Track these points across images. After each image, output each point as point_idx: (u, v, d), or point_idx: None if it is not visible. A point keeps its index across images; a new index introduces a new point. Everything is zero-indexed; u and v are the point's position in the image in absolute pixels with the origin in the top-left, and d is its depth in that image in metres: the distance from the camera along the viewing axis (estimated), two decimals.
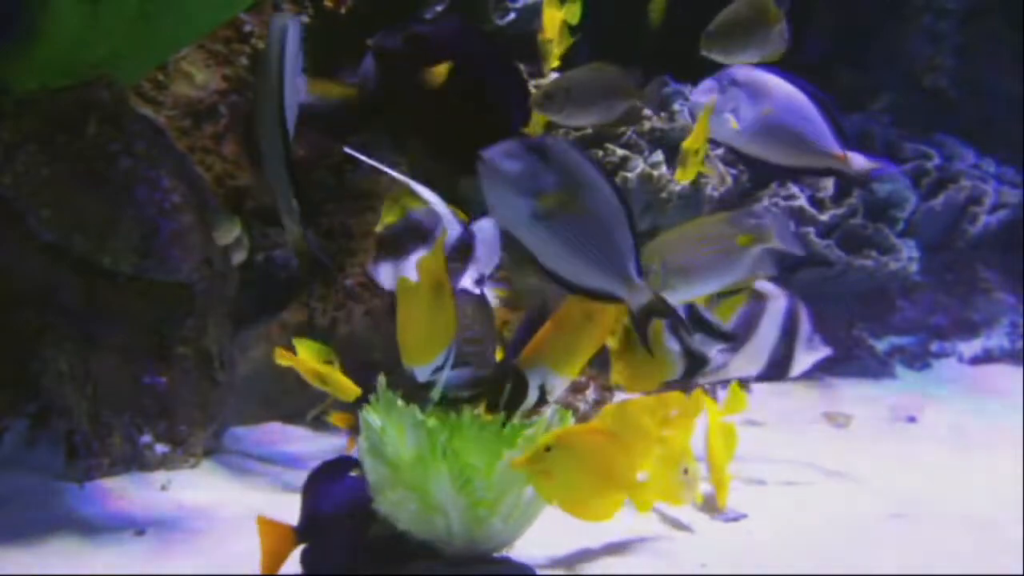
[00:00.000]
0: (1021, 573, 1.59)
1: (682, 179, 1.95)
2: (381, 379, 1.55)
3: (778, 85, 1.81)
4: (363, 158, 1.97)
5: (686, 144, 1.87)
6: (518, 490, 1.47)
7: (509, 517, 1.48)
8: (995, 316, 3.51)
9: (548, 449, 1.40)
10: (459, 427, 1.50)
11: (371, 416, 1.51)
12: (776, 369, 2.08)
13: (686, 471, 1.77)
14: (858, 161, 1.82)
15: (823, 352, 2.12)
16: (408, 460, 1.47)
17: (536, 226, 1.31)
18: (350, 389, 1.76)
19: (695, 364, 1.74)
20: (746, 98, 1.81)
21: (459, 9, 2.78)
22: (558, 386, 1.58)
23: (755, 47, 1.75)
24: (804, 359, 2.10)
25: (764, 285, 2.04)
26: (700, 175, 2.86)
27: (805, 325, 2.05)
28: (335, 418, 1.85)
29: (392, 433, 1.48)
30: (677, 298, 1.54)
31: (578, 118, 1.86)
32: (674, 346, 1.70)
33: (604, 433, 1.48)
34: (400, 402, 1.51)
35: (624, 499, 1.48)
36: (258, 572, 1.57)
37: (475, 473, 1.45)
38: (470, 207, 2.63)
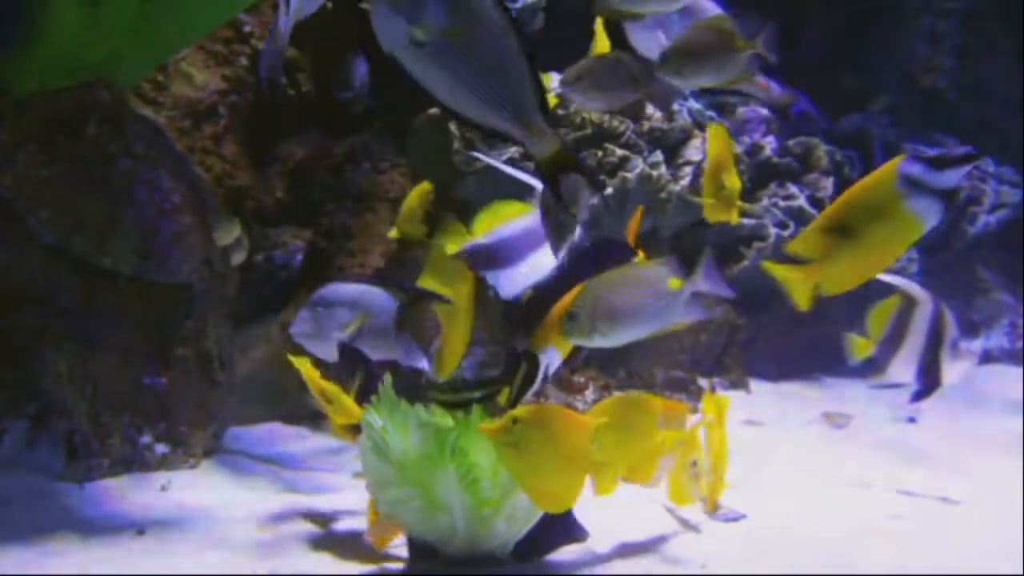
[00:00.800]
0: (1021, 573, 1.60)
1: (731, 220, 1.92)
2: (387, 378, 1.56)
3: (707, 8, 1.80)
4: (491, 161, 1.98)
5: (729, 183, 1.86)
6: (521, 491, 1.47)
7: (511, 518, 1.49)
8: (994, 316, 3.51)
9: (516, 421, 1.39)
10: (466, 427, 1.51)
11: (373, 416, 1.52)
12: (927, 380, 2.00)
13: (695, 463, 1.77)
14: (773, 90, 1.82)
15: (971, 360, 2.04)
16: (413, 459, 1.47)
17: (417, 53, 1.20)
18: (353, 410, 1.76)
19: (950, 198, 1.62)
20: (676, 16, 1.80)
21: None
22: (556, 362, 1.60)
23: (712, 73, 1.75)
24: (953, 368, 1.99)
25: (910, 286, 1.98)
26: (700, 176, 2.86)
27: (952, 331, 1.97)
28: (336, 430, 1.85)
29: (395, 433, 1.49)
30: (607, 343, 1.54)
31: (593, 102, 1.89)
32: (916, 200, 1.58)
33: (572, 415, 1.47)
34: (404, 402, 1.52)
35: (583, 483, 1.47)
36: (264, 571, 1.57)
37: (482, 473, 1.45)
38: (469, 210, 2.64)
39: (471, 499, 1.45)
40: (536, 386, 1.60)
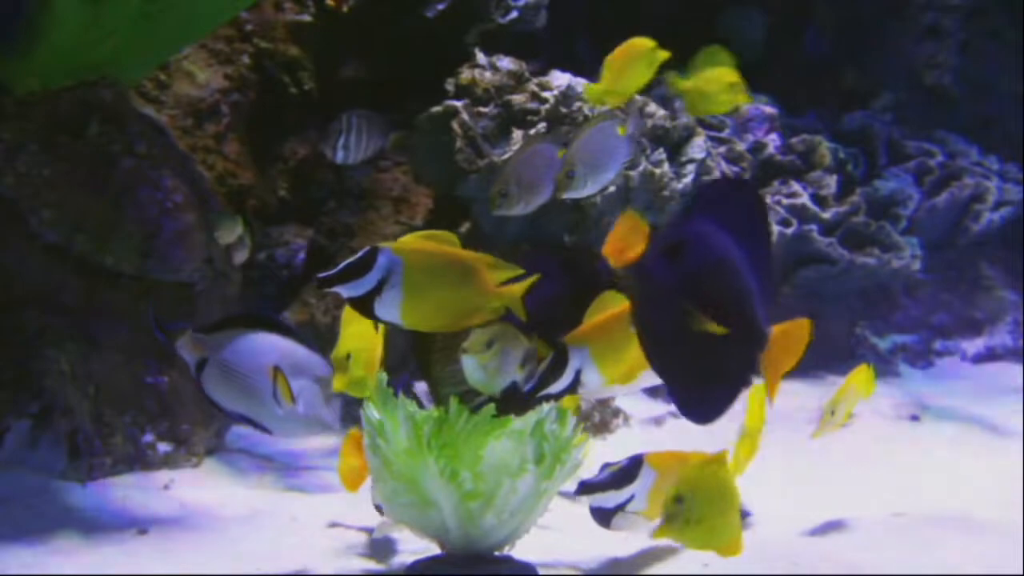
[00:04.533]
0: (1021, 573, 1.59)
1: None
2: (381, 375, 1.55)
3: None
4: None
5: None
6: (511, 484, 1.47)
7: (503, 513, 1.48)
8: (998, 314, 3.50)
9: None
10: (446, 420, 1.50)
11: (370, 411, 1.52)
12: None
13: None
14: None
15: None
16: (400, 453, 1.47)
17: None
18: None
19: None
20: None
21: (460, 7, 2.78)
22: (592, 381, 1.55)
23: (614, 170, 1.90)
24: None
25: None
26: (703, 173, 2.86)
27: None
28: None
29: (389, 427, 1.49)
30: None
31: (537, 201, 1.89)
32: None
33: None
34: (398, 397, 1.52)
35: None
36: (267, 570, 1.58)
37: (461, 464, 1.45)
38: (471, 208, 2.64)
39: (455, 492, 1.45)
40: (563, 387, 1.58)
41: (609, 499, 1.60)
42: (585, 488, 1.61)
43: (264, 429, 1.55)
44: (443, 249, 1.47)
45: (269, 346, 1.53)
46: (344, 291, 1.41)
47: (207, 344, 1.52)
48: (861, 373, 1.96)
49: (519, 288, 1.48)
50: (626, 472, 1.60)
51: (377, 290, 1.41)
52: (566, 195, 1.86)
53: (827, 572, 1.62)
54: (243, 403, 1.53)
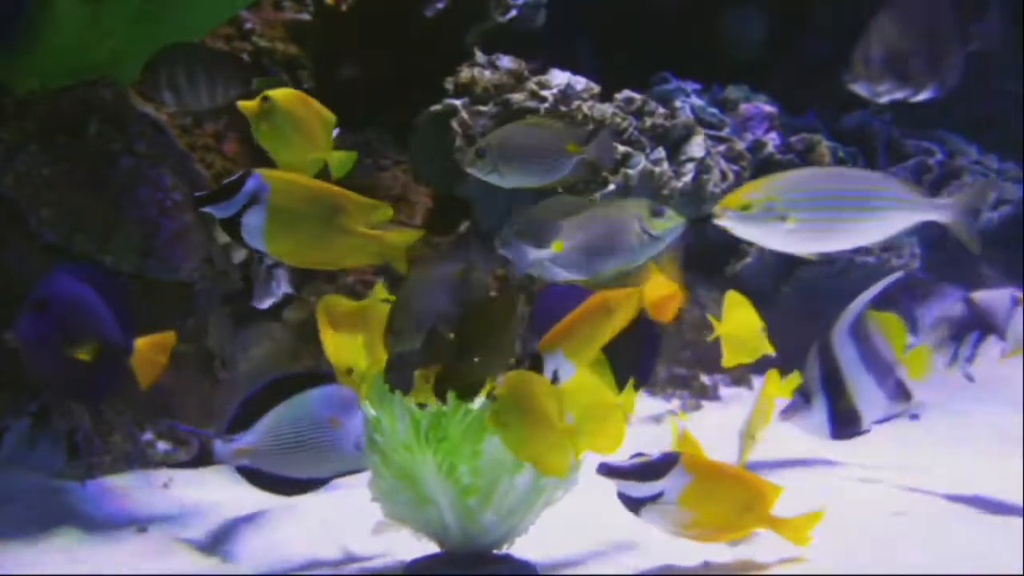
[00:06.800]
0: (1021, 573, 1.59)
1: None
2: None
3: None
4: None
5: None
6: (509, 480, 1.47)
7: (502, 510, 1.48)
8: None
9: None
10: (443, 415, 1.50)
11: (367, 408, 1.52)
12: None
13: None
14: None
15: None
16: (398, 448, 1.47)
17: None
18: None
19: None
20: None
21: (460, 6, 2.79)
22: (568, 374, 1.59)
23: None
24: None
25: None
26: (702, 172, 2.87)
27: None
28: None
29: (386, 423, 1.49)
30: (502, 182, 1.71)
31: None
32: None
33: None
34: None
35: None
36: (266, 570, 1.58)
37: (460, 459, 1.45)
38: (471, 207, 2.64)
39: (453, 487, 1.45)
40: None
41: (633, 488, 1.55)
42: (608, 470, 1.54)
43: (357, 471, 1.53)
44: (314, 181, 1.47)
45: (313, 404, 1.51)
46: (215, 211, 1.41)
47: (250, 442, 1.49)
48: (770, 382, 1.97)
49: (401, 238, 1.46)
50: (655, 466, 1.54)
51: (244, 213, 1.41)
52: (468, 169, 1.78)
53: (825, 572, 1.62)
54: (332, 464, 1.52)
